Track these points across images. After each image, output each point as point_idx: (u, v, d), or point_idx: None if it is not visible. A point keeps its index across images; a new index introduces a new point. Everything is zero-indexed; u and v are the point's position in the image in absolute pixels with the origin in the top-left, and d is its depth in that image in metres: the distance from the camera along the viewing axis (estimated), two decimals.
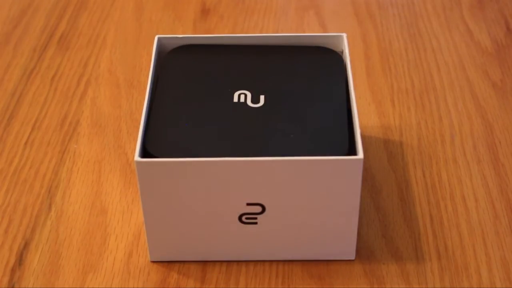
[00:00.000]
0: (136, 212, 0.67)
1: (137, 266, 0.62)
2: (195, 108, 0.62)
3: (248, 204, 0.58)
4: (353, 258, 0.62)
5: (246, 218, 0.59)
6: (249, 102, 0.62)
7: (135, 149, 0.57)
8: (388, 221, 0.65)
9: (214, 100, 0.62)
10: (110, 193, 0.69)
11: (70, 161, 0.72)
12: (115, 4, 0.96)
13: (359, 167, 0.56)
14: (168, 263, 0.62)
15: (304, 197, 0.58)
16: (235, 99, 0.62)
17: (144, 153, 0.57)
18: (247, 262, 0.62)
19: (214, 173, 0.56)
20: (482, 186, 0.69)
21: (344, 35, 0.67)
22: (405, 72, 0.83)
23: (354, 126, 0.58)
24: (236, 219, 0.59)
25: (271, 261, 0.62)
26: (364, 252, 0.63)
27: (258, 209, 0.58)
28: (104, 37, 0.90)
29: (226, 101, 0.62)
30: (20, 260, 0.63)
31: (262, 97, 0.62)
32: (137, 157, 0.56)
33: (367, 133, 0.74)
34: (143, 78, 0.83)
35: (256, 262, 0.62)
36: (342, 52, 0.67)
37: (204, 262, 0.62)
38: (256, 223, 0.59)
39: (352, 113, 0.60)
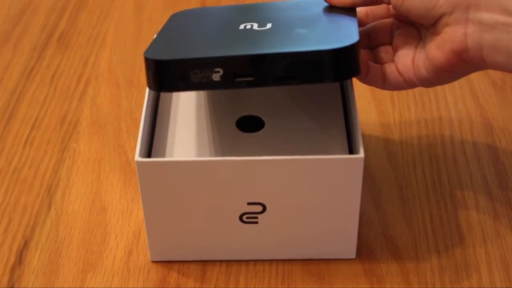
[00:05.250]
0: (136, 211, 0.67)
1: (137, 265, 0.62)
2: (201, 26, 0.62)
3: (249, 204, 0.58)
4: (353, 257, 0.62)
5: (247, 218, 0.59)
6: (255, 28, 0.60)
7: (135, 148, 0.57)
8: (388, 220, 0.65)
9: (220, 28, 0.62)
10: (110, 192, 0.69)
11: (70, 160, 0.72)
12: (115, 3, 0.96)
13: (359, 166, 0.56)
14: (168, 263, 0.62)
15: (305, 196, 0.58)
16: (241, 27, 0.60)
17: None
18: (247, 261, 0.62)
19: (215, 173, 0.56)
20: (482, 185, 0.69)
21: None
22: None
23: (355, 125, 0.58)
24: (237, 218, 0.59)
25: (271, 261, 0.62)
26: (364, 251, 0.63)
27: (258, 208, 0.58)
28: (104, 36, 0.90)
29: (232, 28, 0.61)
30: (20, 259, 0.63)
31: (268, 24, 0.60)
32: (137, 157, 0.56)
33: (367, 132, 0.74)
34: (142, 77, 0.83)
35: (256, 261, 0.62)
36: None
37: (204, 262, 0.62)
38: (256, 222, 0.59)
39: (353, 112, 0.60)
